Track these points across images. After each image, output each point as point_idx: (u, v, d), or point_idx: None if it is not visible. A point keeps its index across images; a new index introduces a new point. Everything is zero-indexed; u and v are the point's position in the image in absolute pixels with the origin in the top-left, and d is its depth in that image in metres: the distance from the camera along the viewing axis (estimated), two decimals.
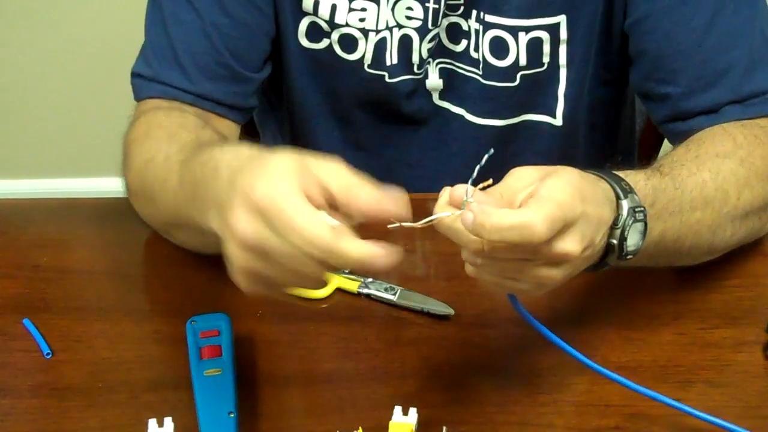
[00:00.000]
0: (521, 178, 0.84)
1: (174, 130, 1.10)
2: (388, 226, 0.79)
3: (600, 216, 0.86)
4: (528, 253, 0.81)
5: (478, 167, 0.81)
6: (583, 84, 1.24)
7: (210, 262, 1.07)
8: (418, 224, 0.80)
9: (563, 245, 0.82)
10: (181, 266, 1.11)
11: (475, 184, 0.81)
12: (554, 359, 0.96)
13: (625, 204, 0.89)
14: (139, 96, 1.19)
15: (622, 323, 1.03)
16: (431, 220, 0.81)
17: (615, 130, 1.36)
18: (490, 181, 0.82)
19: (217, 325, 0.99)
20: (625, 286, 1.06)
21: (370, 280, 1.07)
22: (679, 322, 1.03)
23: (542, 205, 0.81)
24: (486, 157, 0.81)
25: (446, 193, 0.82)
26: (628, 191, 0.90)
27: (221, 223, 0.82)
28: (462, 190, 0.81)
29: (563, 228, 0.81)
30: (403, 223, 0.79)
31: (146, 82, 1.18)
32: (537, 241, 0.79)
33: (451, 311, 1.04)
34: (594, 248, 0.87)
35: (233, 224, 0.79)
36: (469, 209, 0.80)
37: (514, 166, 0.86)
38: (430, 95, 1.26)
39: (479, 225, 0.79)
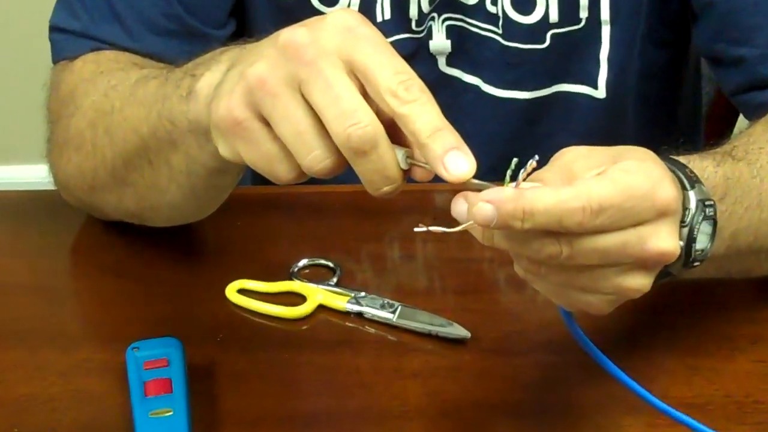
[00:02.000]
0: (585, 156, 0.74)
1: (139, 61, 1.03)
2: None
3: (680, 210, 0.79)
4: (616, 257, 0.72)
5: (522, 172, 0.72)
6: (632, 45, 1.16)
7: (155, 273, 1.04)
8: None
9: (658, 242, 0.73)
10: (120, 277, 1.03)
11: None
12: (599, 395, 0.88)
13: (693, 196, 0.79)
14: (60, 54, 1.10)
15: (685, 349, 0.95)
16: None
17: (673, 104, 1.28)
18: (534, 164, 0.72)
19: (165, 352, 0.91)
20: (689, 303, 0.99)
21: (363, 294, 0.98)
22: (758, 346, 0.95)
23: (612, 182, 0.71)
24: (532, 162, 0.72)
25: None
26: (694, 180, 0.81)
27: (236, 71, 0.75)
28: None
29: (655, 220, 0.73)
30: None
31: (72, 38, 1.09)
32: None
33: (466, 334, 0.95)
34: None
35: (257, 62, 0.73)
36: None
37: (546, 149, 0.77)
38: (435, 60, 1.17)
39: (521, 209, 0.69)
